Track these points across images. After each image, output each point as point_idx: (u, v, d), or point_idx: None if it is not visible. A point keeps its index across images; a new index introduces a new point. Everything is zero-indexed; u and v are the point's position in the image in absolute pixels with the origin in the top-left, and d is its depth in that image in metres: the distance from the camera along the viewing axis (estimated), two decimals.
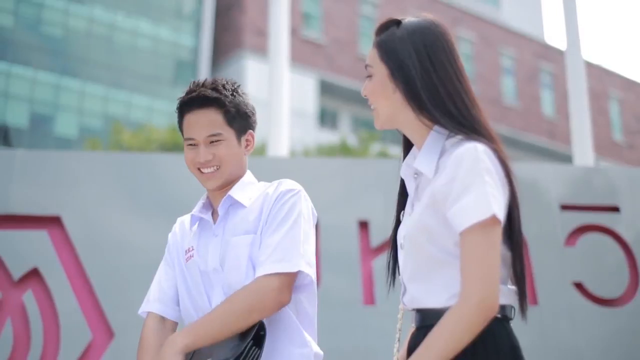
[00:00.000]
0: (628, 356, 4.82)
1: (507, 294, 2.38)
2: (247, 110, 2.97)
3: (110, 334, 4.53)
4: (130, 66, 38.07)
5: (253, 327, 2.64)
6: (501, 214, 2.27)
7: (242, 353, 2.58)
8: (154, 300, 2.98)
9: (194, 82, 2.96)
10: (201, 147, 2.87)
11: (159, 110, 36.93)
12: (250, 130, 3.00)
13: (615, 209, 5.21)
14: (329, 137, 35.92)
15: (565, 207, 5.21)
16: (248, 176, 3.02)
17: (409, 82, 2.42)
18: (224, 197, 2.91)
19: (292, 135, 18.33)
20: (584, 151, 10.76)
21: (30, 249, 4.66)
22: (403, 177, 2.62)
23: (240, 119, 2.93)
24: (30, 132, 35.23)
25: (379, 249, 4.96)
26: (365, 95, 2.57)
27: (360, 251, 4.93)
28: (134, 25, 38.65)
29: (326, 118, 41.56)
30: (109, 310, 4.55)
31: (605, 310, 4.91)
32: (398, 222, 2.69)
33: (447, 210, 2.29)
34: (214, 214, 2.97)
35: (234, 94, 2.93)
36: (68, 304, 4.58)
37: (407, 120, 2.48)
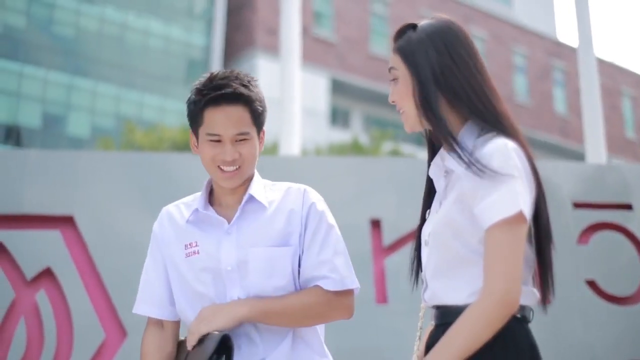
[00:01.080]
0: None
1: (527, 295, 2.40)
2: (266, 107, 2.92)
3: (123, 333, 4.54)
4: (141, 66, 38.14)
5: (214, 338, 2.61)
6: (528, 212, 2.30)
7: None
8: (149, 304, 2.94)
9: (215, 76, 2.83)
10: (227, 144, 2.76)
11: (171, 110, 36.99)
12: (264, 128, 2.96)
13: (628, 207, 5.19)
14: (340, 136, 35.90)
15: (577, 205, 5.20)
16: (257, 174, 2.99)
17: (438, 81, 2.45)
18: (246, 197, 2.86)
19: (304, 134, 18.32)
20: (596, 149, 10.74)
21: (43, 248, 4.67)
22: (432, 177, 2.63)
23: (262, 117, 2.87)
24: (42, 132, 35.34)
25: (391, 248, 4.96)
26: (393, 101, 2.60)
27: (373, 250, 4.93)
28: (146, 25, 38.71)
29: (338, 117, 41.56)
30: (121, 309, 4.56)
31: (618, 308, 4.90)
32: (423, 221, 2.69)
33: (475, 206, 2.32)
34: (221, 210, 2.92)
35: (258, 89, 2.87)
36: (81, 303, 4.59)
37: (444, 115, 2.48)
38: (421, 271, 2.65)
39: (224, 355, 2.61)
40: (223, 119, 2.75)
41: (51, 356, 4.46)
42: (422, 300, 2.59)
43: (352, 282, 2.86)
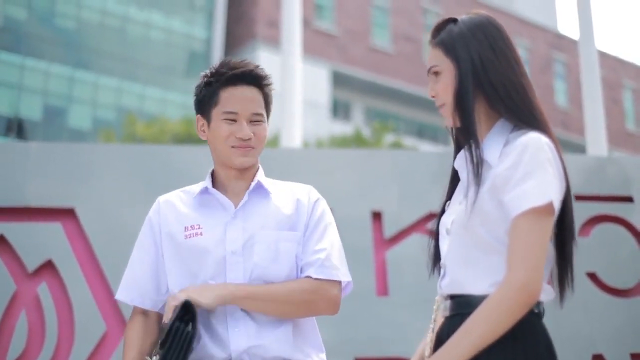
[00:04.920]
0: None
1: (545, 291, 2.41)
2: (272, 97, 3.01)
3: (124, 325, 4.53)
4: (143, 58, 38.14)
5: (177, 306, 2.62)
6: (557, 204, 2.33)
7: (168, 334, 2.56)
8: (133, 292, 2.95)
9: (229, 61, 2.93)
10: (243, 122, 2.85)
11: (172, 102, 36.99)
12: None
13: (629, 199, 5.19)
14: (342, 128, 35.90)
15: (578, 198, 5.19)
16: (261, 169, 3.03)
17: (478, 74, 2.47)
18: (254, 183, 2.92)
19: (305, 127, 18.32)
20: (597, 141, 10.74)
21: (44, 241, 4.67)
22: (457, 168, 2.65)
23: (271, 104, 2.98)
24: (44, 125, 35.36)
25: (393, 240, 4.96)
26: (433, 96, 2.63)
27: (374, 242, 4.93)
28: (147, 18, 38.70)
29: (339, 109, 41.55)
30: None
31: (619, 300, 4.90)
32: (442, 212, 2.73)
33: (505, 195, 2.34)
34: (226, 195, 2.93)
35: (270, 77, 2.96)
36: (82, 295, 4.59)
37: (476, 112, 2.52)
38: (439, 261, 2.68)
39: (191, 323, 2.61)
40: (240, 98, 2.85)
41: (52, 348, 4.46)
42: (439, 289, 2.60)
43: (342, 274, 2.90)
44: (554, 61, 49.07)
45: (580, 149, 39.25)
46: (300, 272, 2.86)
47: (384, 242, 4.95)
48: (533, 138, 2.36)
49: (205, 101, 2.91)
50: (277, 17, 31.61)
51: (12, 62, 34.90)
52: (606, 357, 4.70)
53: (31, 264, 4.58)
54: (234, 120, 2.84)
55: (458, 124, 2.55)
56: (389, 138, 32.74)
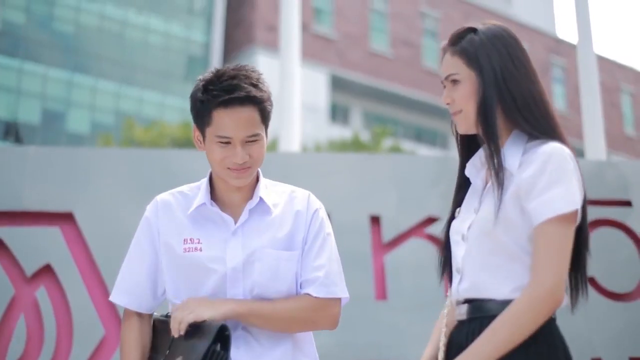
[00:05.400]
0: None
1: None
2: (272, 104, 2.85)
3: None
4: (141, 62, 38.17)
5: (213, 327, 2.61)
6: (580, 212, 2.43)
7: (205, 356, 2.56)
8: (130, 295, 2.92)
9: (223, 73, 2.72)
10: (237, 147, 2.70)
11: (171, 106, 37.01)
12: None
13: (627, 203, 5.19)
14: (340, 133, 35.91)
15: None
16: (260, 173, 2.97)
17: (499, 85, 2.53)
18: (255, 200, 2.85)
19: (304, 131, 18.31)
20: (595, 145, 10.72)
21: (42, 245, 4.67)
22: (468, 176, 2.70)
23: (270, 115, 2.82)
24: (42, 129, 35.37)
25: (391, 244, 4.96)
26: (449, 103, 2.66)
27: (372, 246, 4.93)
28: (145, 22, 38.73)
29: (337, 113, 41.55)
30: (121, 306, 4.56)
31: (618, 304, 4.90)
32: (452, 218, 2.76)
33: (529, 202, 2.40)
34: (224, 207, 2.88)
35: (266, 87, 2.79)
36: (81, 299, 4.59)
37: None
38: (448, 266, 2.74)
39: (219, 344, 2.60)
40: (234, 122, 2.68)
41: (51, 353, 4.46)
42: (455, 293, 2.62)
43: (341, 291, 2.88)
44: (552, 65, 49.07)
45: (579, 153, 39.09)
46: (300, 288, 2.85)
47: (382, 247, 4.95)
48: (556, 148, 2.43)
49: (199, 117, 2.78)
50: (276, 21, 31.67)
51: (10, 66, 34.91)
52: None
53: (30, 268, 4.58)
54: (228, 143, 2.71)
55: (480, 133, 2.58)
56: (388, 142, 32.78)
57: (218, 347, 2.59)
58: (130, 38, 38.45)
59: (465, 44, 2.60)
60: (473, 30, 2.62)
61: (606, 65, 47.83)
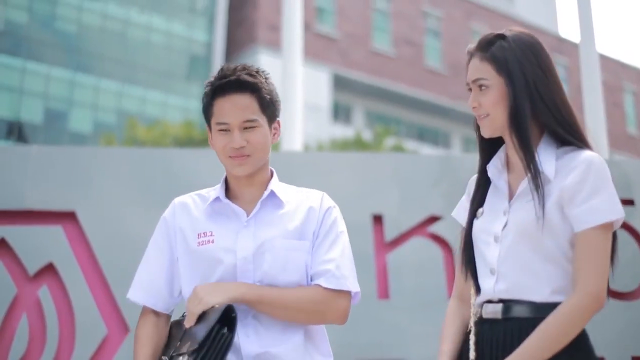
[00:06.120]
0: None
1: None
2: (278, 98, 2.97)
3: (125, 328, 4.54)
4: (144, 62, 38.19)
5: (218, 309, 2.64)
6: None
7: (208, 337, 2.58)
8: (147, 292, 2.96)
9: (225, 67, 2.90)
10: (235, 132, 2.82)
11: (173, 106, 37.01)
12: (278, 119, 3.01)
13: (630, 202, 5.18)
14: (342, 132, 35.95)
15: None
16: (275, 175, 3.05)
17: (530, 91, 2.60)
18: (267, 192, 2.92)
19: (306, 130, 18.32)
20: (598, 144, 10.69)
21: (45, 244, 4.66)
22: (491, 177, 2.77)
23: (272, 106, 2.92)
24: (44, 128, 35.40)
25: (393, 243, 4.95)
26: (475, 107, 2.70)
27: (374, 245, 4.93)
28: (148, 21, 38.76)
29: (340, 113, 41.57)
30: (123, 305, 4.55)
31: (620, 303, 4.88)
32: (472, 217, 2.80)
33: (573, 209, 2.49)
34: (238, 203, 2.93)
35: (267, 80, 2.92)
36: (83, 299, 4.59)
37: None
38: (472, 265, 2.78)
39: (227, 327, 2.63)
40: (230, 107, 2.82)
41: (53, 352, 4.46)
42: (490, 293, 2.66)
43: (352, 284, 2.90)
44: (555, 64, 48.98)
45: None
46: (311, 281, 2.87)
47: (384, 246, 4.95)
48: (595, 156, 2.53)
49: (205, 113, 2.93)
50: (278, 21, 31.61)
51: (13, 65, 34.94)
52: None
53: (32, 267, 4.58)
54: (228, 130, 2.84)
55: (512, 138, 2.63)
56: (390, 141, 32.78)
57: (225, 330, 2.62)
58: (133, 37, 38.48)
59: (496, 50, 2.65)
60: (502, 37, 2.67)
61: (608, 64, 47.80)
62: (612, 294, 4.90)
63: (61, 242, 4.68)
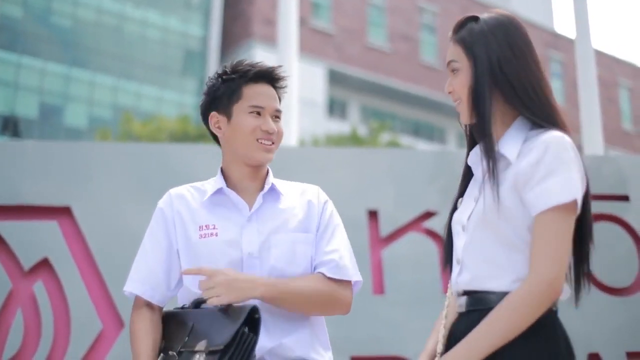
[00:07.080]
0: (639, 345, 4.80)
1: (563, 290, 2.46)
2: None
3: (120, 323, 4.54)
4: (139, 57, 38.16)
5: (243, 309, 2.62)
6: (580, 202, 2.38)
7: (234, 338, 2.56)
8: (145, 284, 2.93)
9: (237, 62, 3.02)
10: (268, 117, 2.95)
11: (169, 100, 36.98)
12: None
13: (624, 198, 5.18)
14: (338, 127, 35.94)
15: None
16: (269, 170, 3.08)
17: (494, 72, 2.50)
18: (268, 186, 2.96)
19: (301, 125, 18.31)
20: (593, 140, 10.75)
21: (40, 239, 4.66)
22: (470, 164, 2.68)
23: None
24: (40, 123, 35.37)
25: (389, 239, 4.96)
26: (450, 92, 2.65)
27: (370, 241, 4.93)
28: (143, 16, 38.72)
29: (335, 108, 41.57)
30: (119, 300, 4.55)
31: (615, 299, 4.89)
32: (454, 208, 2.74)
33: (528, 192, 2.37)
34: (239, 194, 2.94)
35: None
36: (78, 294, 4.58)
37: (493, 110, 2.54)
38: (451, 258, 2.70)
39: (248, 327, 2.61)
40: (266, 93, 2.97)
41: (48, 347, 4.46)
42: (455, 284, 2.61)
43: (354, 274, 2.95)
44: (550, 60, 49.07)
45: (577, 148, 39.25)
46: (314, 271, 2.90)
47: (380, 241, 4.95)
48: (556, 136, 2.40)
49: (224, 97, 2.95)
50: (274, 15, 31.66)
51: (8, 60, 34.89)
52: (602, 356, 4.70)
53: (27, 262, 4.58)
54: (259, 114, 2.92)
55: (473, 121, 2.57)
56: (386, 137, 32.77)
57: (247, 330, 2.60)
58: (128, 32, 38.45)
59: (464, 32, 2.59)
60: (475, 19, 2.62)
61: (604, 60, 47.80)
62: (608, 289, 4.95)
63: (56, 237, 4.67)
